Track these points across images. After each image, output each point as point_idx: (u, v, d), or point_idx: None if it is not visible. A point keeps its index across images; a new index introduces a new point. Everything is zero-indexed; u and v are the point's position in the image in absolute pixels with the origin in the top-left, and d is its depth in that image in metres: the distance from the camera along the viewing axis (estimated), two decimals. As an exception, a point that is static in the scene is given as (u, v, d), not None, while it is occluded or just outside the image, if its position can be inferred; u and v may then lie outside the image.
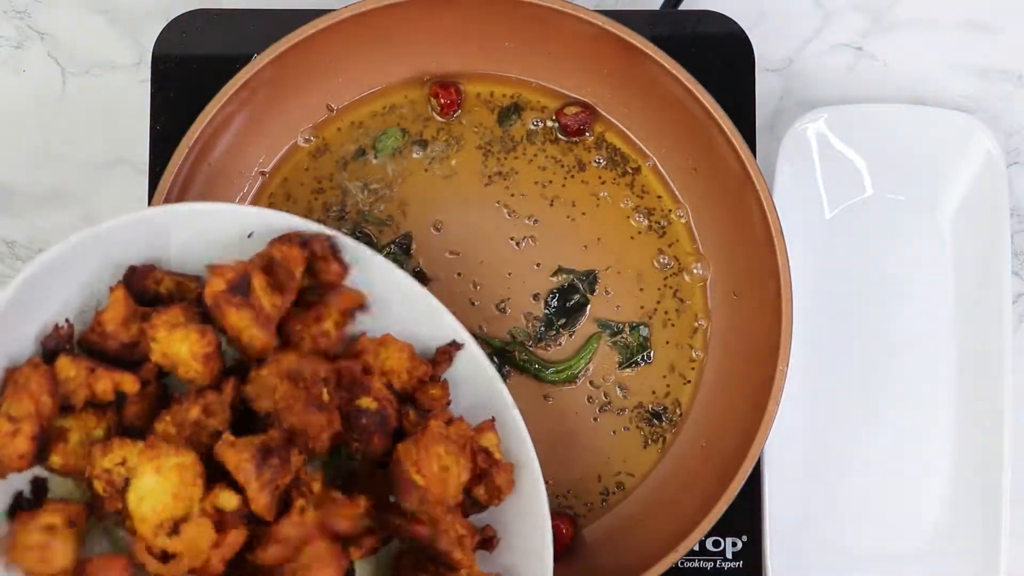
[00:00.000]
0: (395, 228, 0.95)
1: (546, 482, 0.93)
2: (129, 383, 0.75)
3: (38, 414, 0.72)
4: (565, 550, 0.92)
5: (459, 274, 0.95)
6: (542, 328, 0.94)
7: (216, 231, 0.79)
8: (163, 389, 0.79)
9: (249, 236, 0.80)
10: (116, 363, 0.76)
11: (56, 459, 0.74)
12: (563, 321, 0.95)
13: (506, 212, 0.96)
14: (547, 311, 0.95)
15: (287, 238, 0.78)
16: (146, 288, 0.79)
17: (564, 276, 0.95)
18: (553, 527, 0.91)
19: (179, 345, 0.75)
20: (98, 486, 0.73)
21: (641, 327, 0.95)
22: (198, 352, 0.75)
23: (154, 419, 0.75)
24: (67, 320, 0.77)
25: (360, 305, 0.81)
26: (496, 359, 0.94)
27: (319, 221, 0.95)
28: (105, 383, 0.74)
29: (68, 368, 0.74)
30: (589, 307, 0.95)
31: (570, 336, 0.95)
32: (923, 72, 1.04)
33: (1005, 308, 0.96)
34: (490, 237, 0.95)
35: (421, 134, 0.96)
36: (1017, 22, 1.04)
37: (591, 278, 0.95)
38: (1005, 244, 0.97)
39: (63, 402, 0.74)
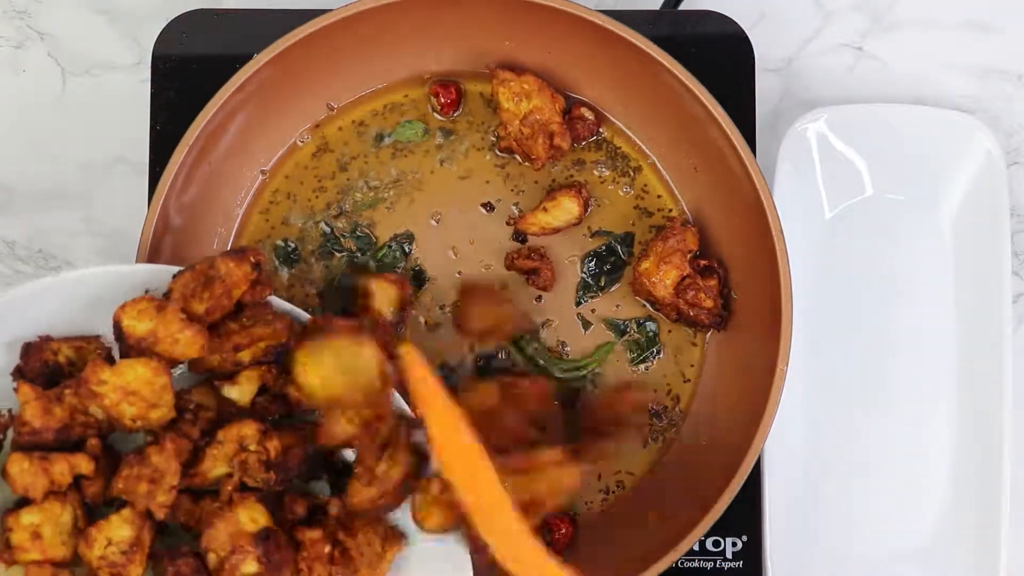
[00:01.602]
0: (394, 225, 0.95)
1: (546, 481, 0.94)
2: (84, 464, 0.75)
3: None
4: (565, 549, 0.92)
5: (460, 273, 0.95)
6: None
7: (111, 292, 0.78)
8: (112, 458, 0.78)
9: (147, 293, 0.78)
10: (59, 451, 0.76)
11: (34, 555, 0.74)
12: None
13: (507, 210, 0.95)
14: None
15: (238, 255, 0.77)
16: (45, 361, 0.78)
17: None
18: (553, 526, 0.92)
19: (131, 371, 0.74)
20: (104, 574, 0.74)
21: (648, 322, 0.95)
22: (157, 366, 0.74)
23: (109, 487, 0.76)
24: (9, 410, 0.77)
25: (283, 344, 0.79)
26: (511, 349, 0.95)
27: (319, 220, 0.95)
28: (61, 465, 0.74)
29: (21, 461, 0.74)
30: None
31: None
32: (923, 72, 1.04)
33: (1005, 308, 0.96)
34: (492, 235, 0.95)
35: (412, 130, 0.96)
36: (1017, 22, 1.04)
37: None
38: (1005, 244, 0.97)
39: (24, 495, 0.74)
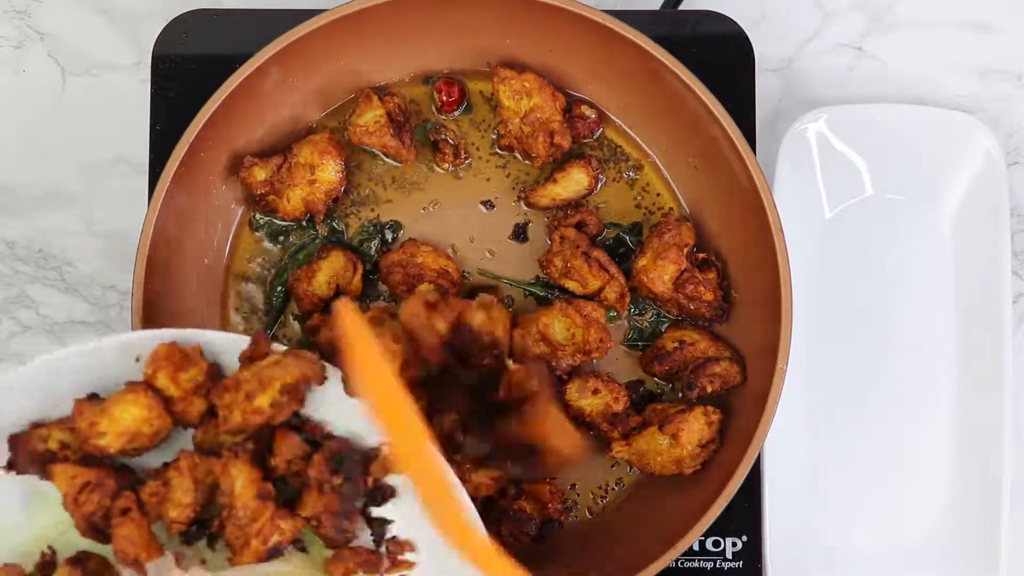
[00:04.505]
0: (391, 222, 0.95)
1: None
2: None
3: None
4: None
5: (462, 272, 0.95)
6: None
7: (98, 369, 0.77)
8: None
9: (137, 361, 0.77)
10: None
11: None
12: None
13: (508, 208, 0.95)
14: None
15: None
16: (35, 451, 0.76)
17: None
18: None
19: (124, 412, 0.75)
20: None
21: (661, 319, 0.95)
22: (150, 403, 0.75)
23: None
24: (49, 547, 0.77)
25: (315, 378, 0.77)
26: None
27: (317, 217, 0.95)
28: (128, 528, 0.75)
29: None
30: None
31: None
32: (923, 72, 1.04)
33: (1005, 308, 0.96)
34: (492, 233, 0.95)
35: (425, 132, 0.96)
36: (1017, 22, 1.04)
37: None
38: (1005, 244, 0.97)
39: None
